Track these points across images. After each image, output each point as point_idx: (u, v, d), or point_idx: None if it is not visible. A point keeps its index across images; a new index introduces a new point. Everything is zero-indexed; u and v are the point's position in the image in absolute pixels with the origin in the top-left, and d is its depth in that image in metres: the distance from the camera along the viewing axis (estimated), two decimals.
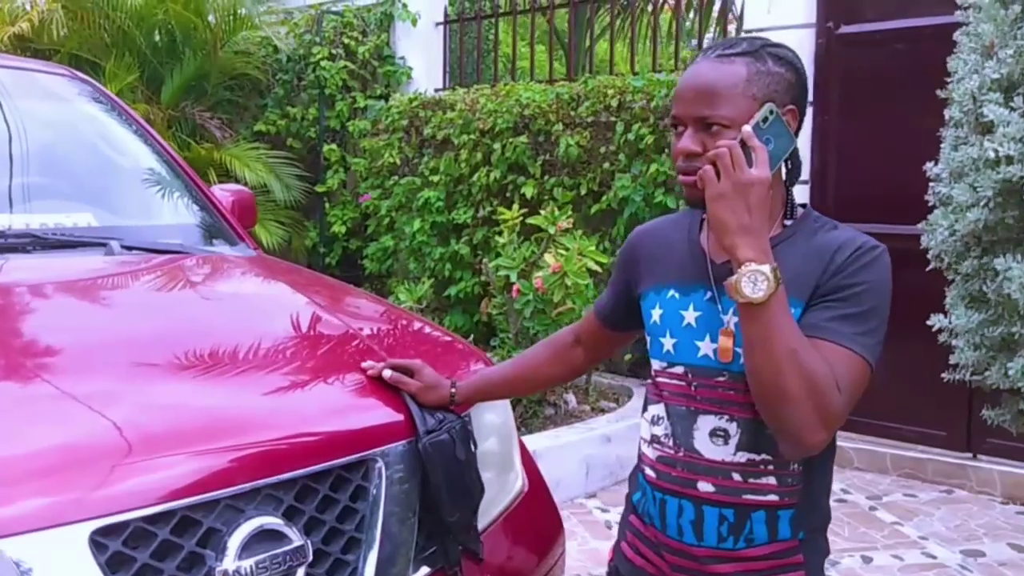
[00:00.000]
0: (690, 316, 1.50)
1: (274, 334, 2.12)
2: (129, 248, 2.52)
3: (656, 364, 1.57)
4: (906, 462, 4.61)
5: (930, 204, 2.45)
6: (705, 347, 1.48)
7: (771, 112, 1.39)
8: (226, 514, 1.56)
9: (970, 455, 4.47)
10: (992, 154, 1.95)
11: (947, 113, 2.39)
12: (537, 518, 2.33)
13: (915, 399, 4.59)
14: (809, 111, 4.82)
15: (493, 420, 2.23)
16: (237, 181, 6.15)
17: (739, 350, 1.42)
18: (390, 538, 1.77)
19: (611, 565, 1.74)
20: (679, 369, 1.51)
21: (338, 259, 7.05)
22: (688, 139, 1.43)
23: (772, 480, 1.45)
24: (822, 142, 4.83)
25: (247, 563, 1.54)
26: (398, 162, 6.26)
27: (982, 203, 2.01)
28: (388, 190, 6.37)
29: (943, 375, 2.50)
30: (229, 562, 1.52)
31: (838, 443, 4.79)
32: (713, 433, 1.46)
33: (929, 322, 2.35)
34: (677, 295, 1.52)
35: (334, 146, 6.92)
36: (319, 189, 7.04)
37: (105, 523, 1.42)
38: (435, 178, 5.93)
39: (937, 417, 4.53)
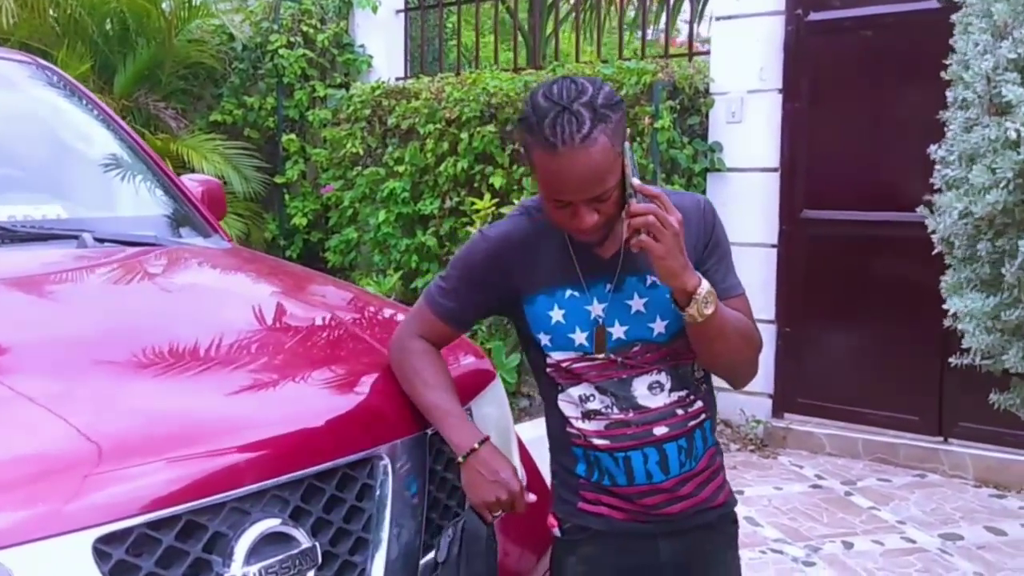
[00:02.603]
0: (596, 309, 1.67)
1: (266, 328, 2.05)
2: (101, 240, 2.42)
3: (566, 355, 1.71)
4: (878, 447, 4.64)
5: (935, 187, 2.43)
6: (616, 331, 1.68)
7: (631, 151, 1.56)
8: (232, 517, 1.50)
9: (942, 439, 4.52)
10: (1014, 134, 1.93)
11: (951, 94, 2.37)
12: (536, 513, 2.27)
13: (886, 384, 4.63)
14: (778, 98, 4.84)
15: (491, 413, 2.17)
16: (194, 172, 5.99)
17: (614, 332, 1.67)
18: (397, 537, 1.71)
19: (564, 528, 1.81)
20: (600, 354, 1.68)
21: (299, 252, 6.91)
22: (587, 215, 1.54)
23: (700, 404, 1.73)
24: (792, 130, 4.83)
25: (255, 568, 1.47)
26: (361, 152, 6.15)
27: (1001, 184, 2.00)
28: (351, 181, 6.25)
29: (950, 360, 2.48)
30: (237, 568, 1.46)
31: (810, 429, 4.83)
32: (650, 387, 1.69)
33: (945, 306, 2.33)
34: (576, 293, 1.67)
35: (293, 136, 6.78)
36: (278, 180, 6.89)
37: (108, 530, 1.34)
38: (400, 168, 5.83)
39: (908, 402, 4.57)
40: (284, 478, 1.56)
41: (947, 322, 2.37)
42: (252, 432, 1.59)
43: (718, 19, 5.04)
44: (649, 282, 1.67)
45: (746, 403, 4.90)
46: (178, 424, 1.54)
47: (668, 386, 1.69)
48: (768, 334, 4.85)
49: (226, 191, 6.38)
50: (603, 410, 1.70)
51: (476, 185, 5.53)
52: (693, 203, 1.71)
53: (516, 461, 2.27)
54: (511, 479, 1.68)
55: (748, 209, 4.87)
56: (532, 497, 1.72)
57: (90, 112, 2.99)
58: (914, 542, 3.72)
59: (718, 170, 4.95)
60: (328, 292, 2.56)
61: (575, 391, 1.72)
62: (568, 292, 1.68)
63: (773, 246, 4.87)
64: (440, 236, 5.75)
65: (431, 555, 1.79)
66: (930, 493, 4.23)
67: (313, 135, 6.81)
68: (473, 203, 5.04)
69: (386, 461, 1.73)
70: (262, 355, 1.87)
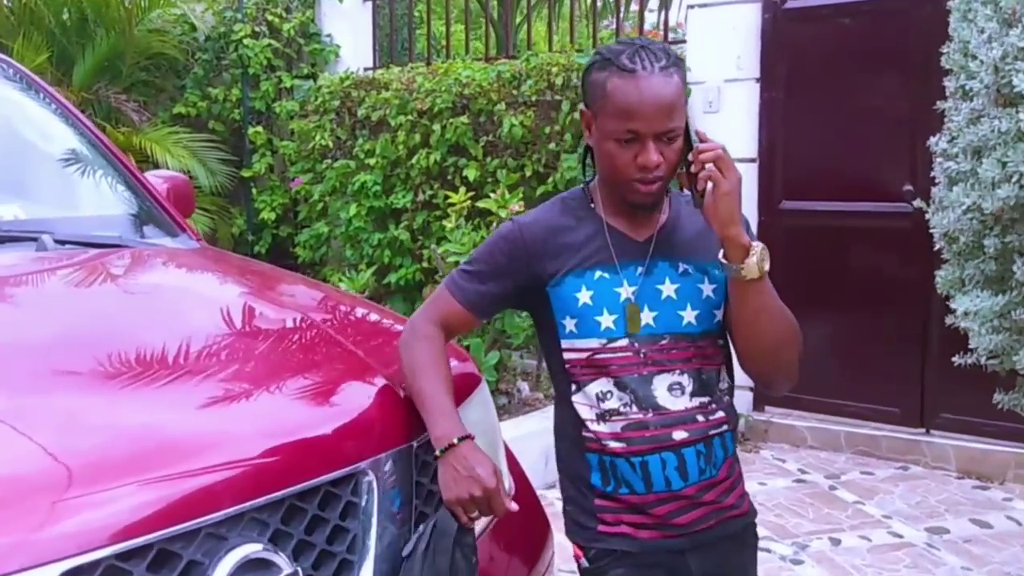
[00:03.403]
0: (626, 291, 1.63)
1: (239, 335, 1.94)
2: (62, 242, 2.29)
3: (589, 343, 1.65)
4: (860, 439, 4.60)
5: (936, 180, 2.35)
6: (646, 317, 1.63)
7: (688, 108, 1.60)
8: (207, 543, 1.39)
9: (923, 431, 4.48)
10: None
11: (951, 84, 2.29)
12: (526, 522, 2.18)
13: (867, 376, 4.58)
14: (756, 87, 4.77)
15: (479, 418, 2.07)
16: (157, 167, 5.83)
17: (644, 317, 1.62)
18: (383, 557, 1.61)
19: (589, 556, 1.70)
20: (623, 342, 1.63)
21: (268, 247, 6.76)
22: (654, 153, 1.54)
23: (721, 413, 1.67)
24: (770, 119, 4.76)
25: None
26: (330, 144, 6.01)
27: (1013, 179, 1.92)
28: (320, 174, 6.11)
29: (954, 359, 2.41)
30: None
31: (792, 422, 4.77)
32: (670, 388, 1.63)
33: (952, 305, 2.26)
34: (607, 275, 1.63)
35: (260, 128, 6.62)
36: (245, 174, 6.73)
37: (74, 564, 1.23)
38: (371, 161, 5.70)
39: (890, 393, 4.53)
40: (263, 499, 1.46)
41: (949, 320, 2.30)
42: (227, 451, 1.47)
43: (692, 7, 4.95)
44: (681, 269, 1.65)
45: None
46: (146, 444, 1.42)
47: (689, 389, 1.64)
48: None
49: (192, 185, 6.29)
50: (621, 408, 1.63)
51: (449, 178, 5.42)
52: None
53: (503, 466, 2.19)
54: (487, 476, 1.55)
55: None
56: (514, 506, 1.60)
57: (48, 106, 2.85)
58: (901, 537, 3.67)
59: None
60: (305, 294, 2.45)
61: (592, 388, 1.65)
62: (598, 273, 1.64)
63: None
64: (413, 230, 5.63)
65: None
66: (914, 486, 4.19)
67: (280, 127, 6.66)
68: (447, 196, 4.93)
69: (371, 477, 1.62)
70: (235, 365, 1.76)
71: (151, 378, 1.62)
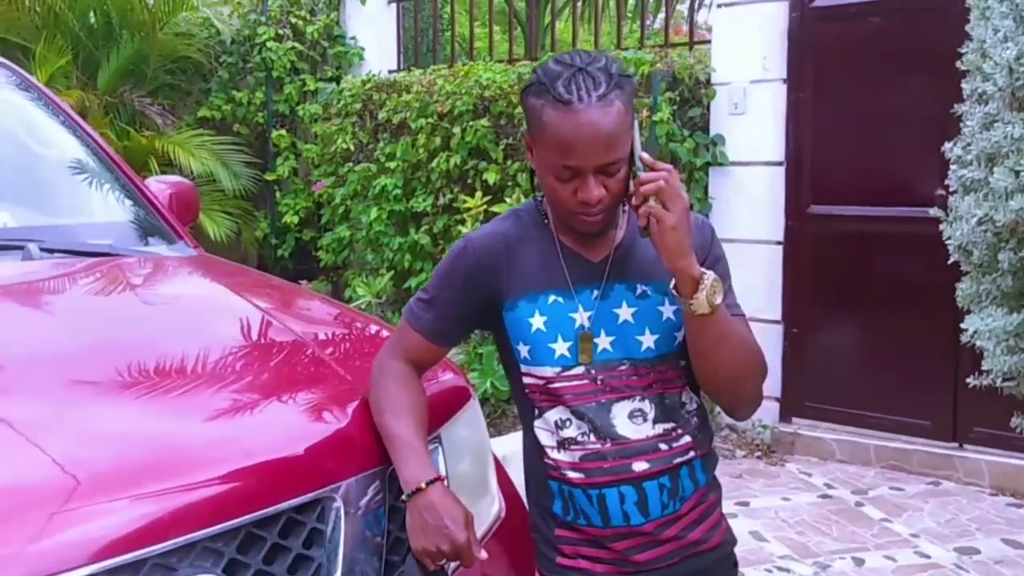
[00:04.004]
0: (581, 317, 1.55)
1: (213, 349, 1.85)
2: (50, 251, 2.23)
3: (543, 371, 1.56)
4: (890, 453, 4.43)
5: (951, 189, 2.21)
6: (603, 342, 1.55)
7: (638, 128, 1.47)
8: (154, 575, 1.30)
9: (956, 445, 4.30)
10: None
11: (967, 86, 2.16)
12: (516, 547, 2.08)
13: (898, 387, 4.42)
14: (783, 88, 4.63)
15: (466, 437, 1.99)
16: (181, 171, 5.82)
17: (600, 343, 1.54)
18: None
19: None
20: (579, 370, 1.55)
21: (291, 251, 6.73)
22: (595, 188, 1.45)
23: (688, 439, 1.58)
24: (797, 121, 4.61)
25: None
26: (352, 148, 5.96)
27: None
28: (342, 177, 6.06)
29: (968, 380, 2.27)
30: None
31: (819, 435, 4.58)
32: (631, 416, 1.54)
33: (963, 324, 2.12)
34: (561, 299, 1.55)
35: (284, 132, 6.60)
36: (269, 177, 6.71)
37: None
38: (392, 164, 5.64)
39: (921, 405, 4.36)
40: (217, 528, 1.37)
41: (964, 338, 2.16)
42: (179, 474, 1.39)
43: (719, 6, 4.82)
44: (639, 291, 1.56)
45: None
46: (89, 468, 1.35)
47: (652, 416, 1.55)
48: (774, 335, 4.64)
49: (215, 189, 6.29)
50: (579, 438, 1.56)
51: (470, 181, 5.34)
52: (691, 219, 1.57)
53: (494, 490, 2.09)
54: (457, 530, 1.48)
55: (752, 205, 4.67)
56: (484, 555, 1.52)
57: (48, 112, 2.81)
58: (928, 557, 3.51)
59: (720, 164, 4.74)
60: (297, 306, 2.38)
61: (552, 415, 1.58)
62: (552, 297, 1.56)
63: (779, 243, 4.66)
64: (434, 234, 5.56)
65: None
66: (945, 502, 4.02)
67: (304, 130, 6.63)
68: (465, 201, 4.85)
69: (339, 503, 1.54)
70: (201, 379, 1.69)
71: (106, 398, 1.55)
